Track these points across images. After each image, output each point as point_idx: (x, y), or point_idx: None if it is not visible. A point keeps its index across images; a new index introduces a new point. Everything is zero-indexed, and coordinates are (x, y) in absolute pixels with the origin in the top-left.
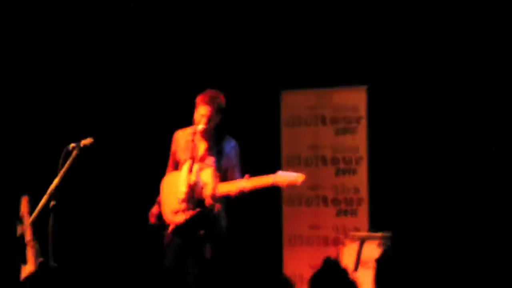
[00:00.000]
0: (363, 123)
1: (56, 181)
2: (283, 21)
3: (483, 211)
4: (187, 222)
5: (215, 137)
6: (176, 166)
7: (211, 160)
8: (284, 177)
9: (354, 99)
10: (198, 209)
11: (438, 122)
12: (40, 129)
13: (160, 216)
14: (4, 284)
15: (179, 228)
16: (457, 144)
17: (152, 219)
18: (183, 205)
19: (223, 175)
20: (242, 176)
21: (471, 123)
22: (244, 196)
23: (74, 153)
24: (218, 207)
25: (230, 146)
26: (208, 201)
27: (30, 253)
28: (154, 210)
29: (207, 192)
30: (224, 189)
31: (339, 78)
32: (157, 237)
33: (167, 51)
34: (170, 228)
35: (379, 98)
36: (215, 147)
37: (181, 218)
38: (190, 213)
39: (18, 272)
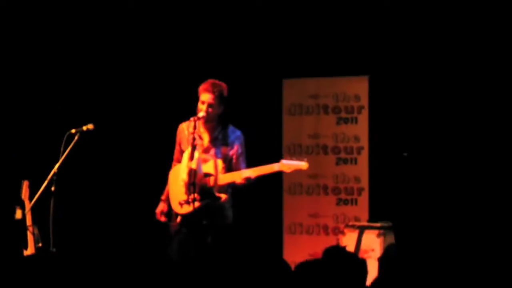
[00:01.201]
0: (365, 112)
1: (57, 166)
2: (285, 10)
3: (482, 200)
4: (193, 213)
5: (219, 128)
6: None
7: (214, 151)
8: (288, 164)
9: (356, 89)
10: (204, 201)
11: (439, 112)
12: (41, 115)
13: (167, 214)
14: (7, 267)
15: (186, 218)
16: (457, 134)
17: (162, 218)
18: (190, 196)
19: (228, 165)
20: (247, 166)
21: (472, 113)
22: (250, 184)
23: (76, 138)
24: (224, 197)
25: (235, 135)
26: (212, 188)
27: (30, 238)
28: (159, 209)
29: (212, 183)
30: (228, 178)
31: (341, 67)
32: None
33: (169, 42)
34: (178, 219)
35: (381, 87)
36: (220, 137)
37: (187, 209)
38: (196, 204)
39: (21, 255)
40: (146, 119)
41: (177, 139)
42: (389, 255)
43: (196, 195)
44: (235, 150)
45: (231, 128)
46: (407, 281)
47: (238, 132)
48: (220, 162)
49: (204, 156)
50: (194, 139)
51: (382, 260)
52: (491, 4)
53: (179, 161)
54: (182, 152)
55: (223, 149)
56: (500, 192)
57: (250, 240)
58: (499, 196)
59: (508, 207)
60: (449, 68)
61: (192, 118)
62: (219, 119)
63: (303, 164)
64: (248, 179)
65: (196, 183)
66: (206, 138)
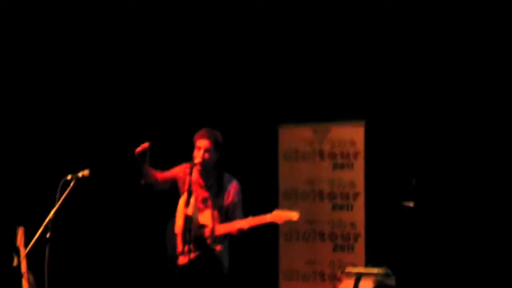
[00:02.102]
0: (361, 158)
1: (52, 212)
2: (281, 55)
3: (483, 246)
4: (188, 264)
5: (215, 176)
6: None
7: (210, 200)
8: (279, 215)
9: (352, 134)
10: (198, 252)
11: (435, 158)
12: (37, 161)
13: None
14: None
15: (183, 269)
16: (456, 180)
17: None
18: (185, 247)
19: (224, 214)
20: (243, 215)
21: (469, 154)
22: (243, 235)
23: (71, 185)
24: (219, 248)
25: (230, 184)
26: (209, 242)
27: (25, 285)
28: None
29: (206, 234)
30: (223, 229)
31: (336, 113)
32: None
33: (164, 89)
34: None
35: (377, 133)
36: (215, 186)
37: (183, 260)
38: (192, 255)
39: None
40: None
41: (177, 171)
42: None
43: (191, 246)
44: (230, 199)
45: (226, 176)
46: None
47: (234, 181)
48: (215, 214)
49: (199, 206)
50: (190, 185)
51: None
52: (485, 35)
53: (156, 177)
54: (168, 177)
55: (219, 199)
56: (501, 232)
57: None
58: (499, 239)
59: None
60: (446, 114)
61: (188, 164)
62: (214, 167)
63: (293, 215)
64: (240, 230)
65: (192, 231)
66: (202, 186)
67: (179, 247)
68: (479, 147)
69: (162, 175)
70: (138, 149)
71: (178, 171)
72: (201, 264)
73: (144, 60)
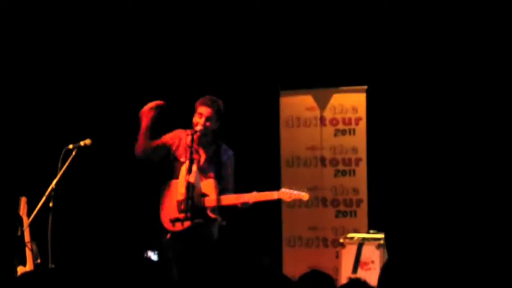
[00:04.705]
0: (363, 124)
1: (54, 182)
2: (282, 22)
3: (481, 209)
4: (183, 232)
5: (213, 146)
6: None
7: (211, 170)
8: (288, 194)
9: (354, 100)
10: (197, 220)
11: (436, 122)
12: (39, 130)
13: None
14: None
15: (176, 234)
16: (456, 144)
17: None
18: (182, 215)
19: (220, 184)
20: (234, 185)
21: (470, 124)
22: (246, 208)
23: (73, 154)
24: (219, 220)
25: (227, 155)
26: (209, 209)
27: (28, 254)
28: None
29: (209, 204)
30: (228, 201)
31: (338, 78)
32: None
33: (166, 55)
34: (168, 236)
35: (378, 98)
36: (214, 156)
37: (178, 227)
38: (187, 223)
39: (14, 272)
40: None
41: (168, 137)
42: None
43: (188, 214)
44: (227, 170)
45: (223, 147)
46: None
47: (230, 152)
48: (216, 183)
49: (200, 174)
50: (191, 153)
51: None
52: (490, 10)
53: (151, 146)
54: (160, 143)
55: (217, 169)
56: (500, 198)
57: (250, 254)
58: (497, 203)
59: (508, 213)
60: (446, 78)
61: (189, 131)
62: (213, 137)
63: (303, 195)
64: (245, 204)
65: (194, 199)
66: (202, 156)
67: (176, 213)
68: (483, 112)
69: (155, 143)
70: (154, 103)
71: (170, 137)
72: (196, 232)
73: (144, 26)
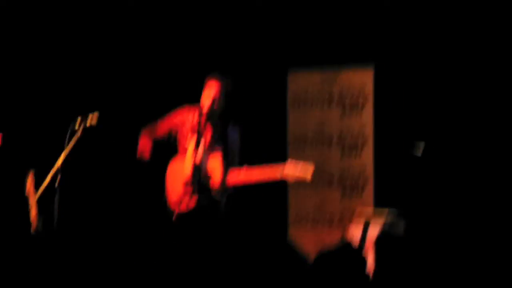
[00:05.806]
0: (370, 103)
1: (62, 157)
2: (290, 1)
3: (488, 191)
4: (190, 212)
5: (220, 126)
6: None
7: (218, 148)
8: (292, 170)
9: (361, 80)
10: (202, 201)
11: (444, 103)
12: (46, 104)
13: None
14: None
15: (182, 216)
16: (462, 125)
17: (145, 154)
18: (187, 196)
19: (226, 164)
20: (240, 163)
21: (477, 104)
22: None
23: (81, 128)
24: (222, 204)
25: (234, 133)
26: (215, 190)
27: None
28: (142, 145)
29: (216, 180)
30: (232, 180)
31: (345, 57)
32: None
33: (173, 33)
34: (174, 217)
35: (386, 78)
36: (221, 135)
37: (184, 208)
38: (193, 203)
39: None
40: (150, 112)
41: (172, 117)
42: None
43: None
44: (233, 147)
45: (230, 126)
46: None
47: (237, 129)
48: (223, 162)
49: (207, 152)
50: (199, 133)
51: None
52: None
53: (153, 132)
54: (166, 129)
55: (224, 148)
56: (508, 180)
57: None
58: (507, 185)
59: None
60: (454, 58)
61: (196, 110)
62: (221, 115)
63: (309, 168)
64: (248, 183)
65: (200, 180)
66: (209, 134)
67: (182, 195)
68: (494, 94)
69: (160, 133)
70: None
71: (175, 123)
72: (201, 213)
73: (152, 2)
